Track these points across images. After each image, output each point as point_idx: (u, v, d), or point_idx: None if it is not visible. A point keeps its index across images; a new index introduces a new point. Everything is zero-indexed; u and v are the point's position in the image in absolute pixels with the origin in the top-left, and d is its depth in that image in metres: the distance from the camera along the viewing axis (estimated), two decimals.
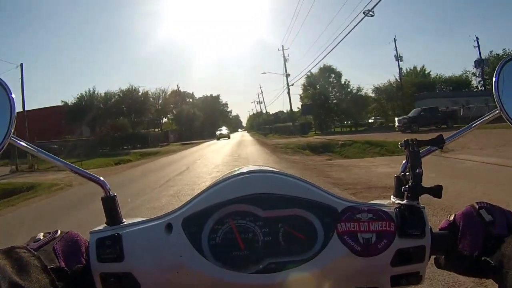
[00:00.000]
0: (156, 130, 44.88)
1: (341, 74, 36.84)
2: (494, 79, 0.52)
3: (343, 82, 35.92)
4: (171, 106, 51.34)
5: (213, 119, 67.14)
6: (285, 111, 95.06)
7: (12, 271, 0.37)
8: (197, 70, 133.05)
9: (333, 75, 36.44)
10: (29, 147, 0.51)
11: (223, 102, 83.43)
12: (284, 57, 36.69)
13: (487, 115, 0.54)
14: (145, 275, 0.48)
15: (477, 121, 0.56)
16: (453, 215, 0.51)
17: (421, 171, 0.48)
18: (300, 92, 37.28)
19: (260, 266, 0.47)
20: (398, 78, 32.46)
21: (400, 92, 30.46)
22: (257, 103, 71.65)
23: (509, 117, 0.50)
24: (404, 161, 0.51)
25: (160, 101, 44.64)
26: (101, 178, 0.53)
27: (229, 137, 31.48)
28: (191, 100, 66.27)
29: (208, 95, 74.76)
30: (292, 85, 36.35)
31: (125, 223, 0.53)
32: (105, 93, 35.91)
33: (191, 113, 51.00)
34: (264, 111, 79.69)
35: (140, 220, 0.52)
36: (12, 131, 0.48)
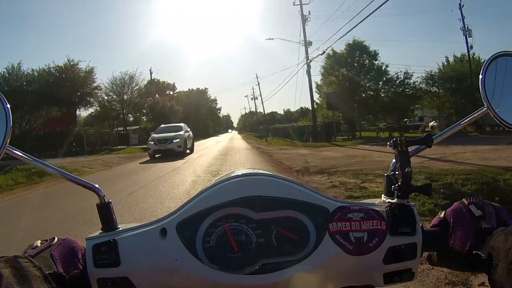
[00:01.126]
0: (132, 128, 36.41)
1: (377, 54, 25.81)
2: (480, 76, 0.53)
3: (380, 66, 25.85)
4: (150, 98, 38.58)
5: (198, 117, 57.75)
6: (279, 112, 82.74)
7: (14, 281, 0.39)
8: (186, 68, 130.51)
9: (364, 55, 25.99)
10: (24, 156, 0.52)
11: (211, 97, 68.75)
12: (302, 15, 22.73)
13: (475, 113, 0.55)
14: (141, 279, 0.50)
15: (465, 119, 0.57)
16: (444, 211, 0.52)
17: (410, 170, 0.50)
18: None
19: (254, 268, 0.48)
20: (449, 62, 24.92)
21: (469, 80, 21.34)
22: (252, 99, 57.92)
23: (496, 114, 0.51)
24: (393, 161, 0.52)
25: (125, 90, 30.88)
26: (96, 186, 0.54)
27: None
28: (171, 92, 52.26)
29: (194, 88, 61.24)
30: (310, 61, 24.06)
31: (120, 228, 0.54)
32: (35, 70, 23.18)
33: (167, 107, 36.90)
34: (259, 108, 66.25)
35: (135, 225, 0.53)
36: (8, 141, 0.49)
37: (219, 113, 79.45)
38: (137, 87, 35.33)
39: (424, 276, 2.26)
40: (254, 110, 70.60)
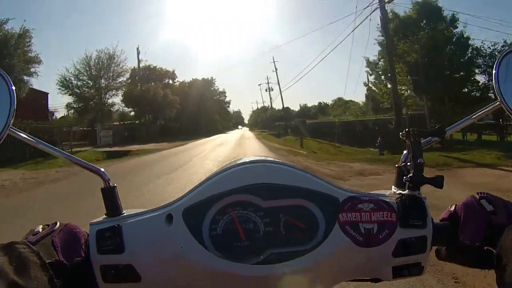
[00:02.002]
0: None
1: (457, 19, 18.58)
2: (494, 71, 0.56)
3: (461, 36, 18.01)
4: (138, 85, 33.66)
5: (204, 110, 53.89)
6: (292, 108, 74.75)
7: (11, 268, 0.38)
8: (197, 66, 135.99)
9: (439, 22, 18.12)
10: (29, 138, 0.54)
11: (220, 89, 59.54)
12: None
13: (488, 107, 0.58)
14: (145, 266, 0.50)
15: (478, 112, 0.59)
16: (454, 205, 0.54)
17: (422, 161, 0.51)
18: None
19: (261, 257, 0.49)
20: None
21: None
22: (266, 90, 48.86)
23: (510, 108, 0.54)
24: (405, 152, 0.55)
25: (102, 73, 21.86)
26: (102, 169, 0.56)
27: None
28: (170, 81, 43.06)
29: (199, 78, 53.12)
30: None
31: (125, 214, 0.56)
32: None
33: (160, 95, 27.40)
34: (275, 101, 58.20)
35: (140, 211, 0.55)
36: (12, 122, 0.51)
37: (228, 107, 69.86)
38: (123, 70, 30.23)
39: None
40: (267, 103, 63.58)
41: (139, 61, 33.17)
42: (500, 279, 0.43)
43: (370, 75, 23.31)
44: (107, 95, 28.59)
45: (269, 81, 55.97)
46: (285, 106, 75.85)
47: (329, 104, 71.93)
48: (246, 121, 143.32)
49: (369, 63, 22.11)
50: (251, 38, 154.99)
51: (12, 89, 0.52)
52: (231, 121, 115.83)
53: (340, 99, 73.75)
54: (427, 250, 0.51)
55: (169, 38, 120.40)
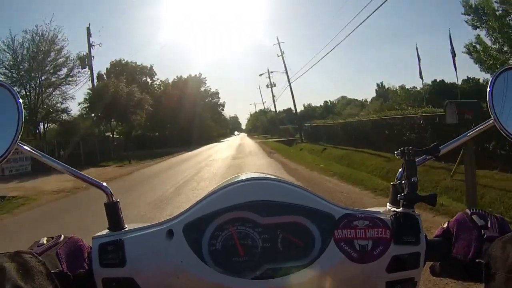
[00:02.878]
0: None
1: None
2: (488, 89, 0.59)
3: None
4: (92, 81, 25.33)
5: (192, 114, 44.38)
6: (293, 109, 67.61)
7: (17, 275, 0.41)
8: (193, 71, 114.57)
9: None
10: (33, 151, 0.58)
11: (212, 90, 50.52)
12: None
13: (482, 125, 0.62)
14: (146, 280, 0.54)
15: (472, 130, 0.64)
16: (447, 222, 0.59)
17: (416, 180, 0.55)
18: None
19: (258, 272, 0.53)
20: None
21: None
22: (268, 86, 41.96)
23: (503, 127, 0.57)
24: (400, 170, 0.59)
25: (32, 62, 12.34)
26: (104, 184, 0.60)
27: None
28: (148, 79, 34.07)
29: (184, 76, 48.50)
30: None
31: (127, 228, 0.60)
32: None
33: (124, 92, 17.28)
34: (280, 100, 53.58)
35: (142, 225, 0.60)
36: (20, 136, 0.54)
37: (223, 110, 61.83)
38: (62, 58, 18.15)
39: None
40: (267, 104, 57.85)
41: (89, 45, 23.39)
42: (490, 287, 0.47)
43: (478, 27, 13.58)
44: (47, 94, 19.15)
45: (270, 77, 46.80)
46: (285, 108, 67.87)
47: (334, 103, 69.02)
48: (243, 126, 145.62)
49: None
50: (248, 40, 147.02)
51: (20, 102, 0.54)
52: (228, 127, 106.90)
53: (343, 97, 66.71)
54: (421, 266, 0.56)
55: (148, 34, 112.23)
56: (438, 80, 30.35)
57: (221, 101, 64.50)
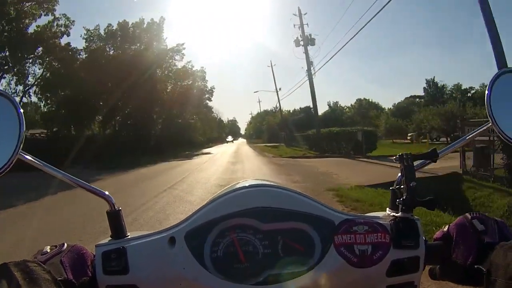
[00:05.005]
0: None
1: None
2: (486, 92, 0.59)
3: None
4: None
5: (171, 110, 32.47)
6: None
7: (23, 284, 0.42)
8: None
9: None
10: (35, 161, 0.58)
11: (195, 69, 30.90)
12: None
13: (480, 128, 0.63)
14: (149, 287, 0.55)
15: (470, 134, 0.64)
16: (447, 226, 0.60)
17: (415, 184, 0.56)
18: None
19: (260, 278, 0.54)
20: None
21: None
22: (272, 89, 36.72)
23: (501, 130, 0.58)
24: (399, 175, 0.60)
25: None
26: (106, 193, 0.61)
27: None
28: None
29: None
30: None
31: (129, 236, 0.61)
32: None
33: None
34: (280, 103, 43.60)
35: (144, 233, 0.60)
36: (21, 146, 0.54)
37: (209, 100, 40.74)
38: None
39: None
40: (278, 97, 45.09)
41: None
42: None
43: None
44: None
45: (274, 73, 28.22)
46: (302, 107, 48.32)
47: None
48: (243, 131, 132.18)
49: None
50: (248, 44, 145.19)
51: (21, 112, 0.55)
52: (224, 131, 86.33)
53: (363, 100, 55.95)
54: (420, 269, 0.57)
55: None
56: None
57: (208, 87, 40.90)
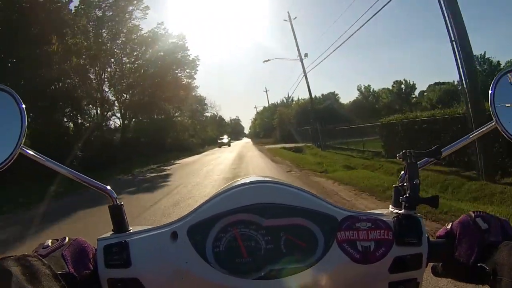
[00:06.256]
0: None
1: None
2: (490, 91, 0.60)
3: None
4: None
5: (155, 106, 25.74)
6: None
7: (23, 278, 0.42)
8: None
9: None
10: (37, 156, 0.59)
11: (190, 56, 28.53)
12: None
13: (484, 127, 0.63)
14: (151, 281, 0.56)
15: (474, 133, 0.64)
16: (451, 223, 0.60)
17: (418, 182, 0.57)
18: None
19: (262, 273, 0.54)
20: None
21: None
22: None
23: (504, 129, 0.58)
24: (402, 172, 0.60)
25: None
26: (108, 187, 0.61)
27: None
28: None
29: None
30: None
31: (131, 231, 0.61)
32: None
33: None
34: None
35: (146, 228, 0.61)
36: (23, 141, 0.54)
37: (191, 77, 28.19)
38: None
39: None
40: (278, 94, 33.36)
41: None
42: None
43: None
44: None
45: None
46: (325, 93, 36.14)
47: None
48: (247, 130, 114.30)
49: None
50: (249, 50, 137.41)
51: (22, 107, 0.56)
52: (225, 130, 74.19)
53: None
54: (423, 266, 0.57)
55: None
56: None
57: (190, 56, 29.40)
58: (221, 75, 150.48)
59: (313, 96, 22.14)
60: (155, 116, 29.02)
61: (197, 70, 29.48)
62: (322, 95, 43.89)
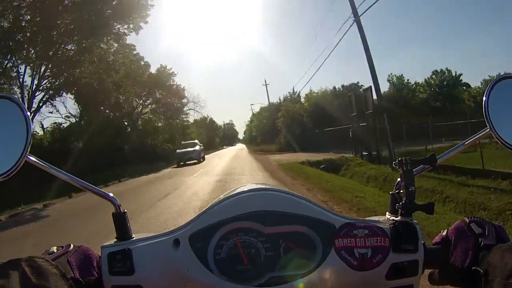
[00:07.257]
0: None
1: None
2: (484, 98, 0.61)
3: None
4: None
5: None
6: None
7: (32, 277, 0.44)
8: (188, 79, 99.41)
9: None
10: (42, 164, 0.59)
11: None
12: None
13: (478, 134, 0.64)
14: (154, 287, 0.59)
15: (469, 139, 0.65)
16: (446, 230, 0.61)
17: (414, 189, 0.58)
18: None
19: (262, 280, 0.56)
20: None
21: None
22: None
23: (499, 135, 0.59)
24: (398, 179, 0.61)
25: None
26: (111, 194, 0.63)
27: None
28: None
29: None
30: None
31: (134, 238, 0.62)
32: None
33: None
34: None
35: (149, 235, 0.62)
36: (29, 149, 0.55)
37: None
38: None
39: None
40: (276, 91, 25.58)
41: None
42: None
43: None
44: None
45: None
46: (331, 88, 27.87)
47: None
48: (241, 136, 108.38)
49: None
50: (242, 56, 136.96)
51: (27, 115, 0.56)
52: (218, 136, 64.07)
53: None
54: (419, 273, 0.58)
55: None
56: None
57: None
58: (213, 78, 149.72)
59: (331, 87, 13.59)
60: (103, 109, 19.80)
61: (149, 15, 18.44)
62: (342, 86, 34.02)
